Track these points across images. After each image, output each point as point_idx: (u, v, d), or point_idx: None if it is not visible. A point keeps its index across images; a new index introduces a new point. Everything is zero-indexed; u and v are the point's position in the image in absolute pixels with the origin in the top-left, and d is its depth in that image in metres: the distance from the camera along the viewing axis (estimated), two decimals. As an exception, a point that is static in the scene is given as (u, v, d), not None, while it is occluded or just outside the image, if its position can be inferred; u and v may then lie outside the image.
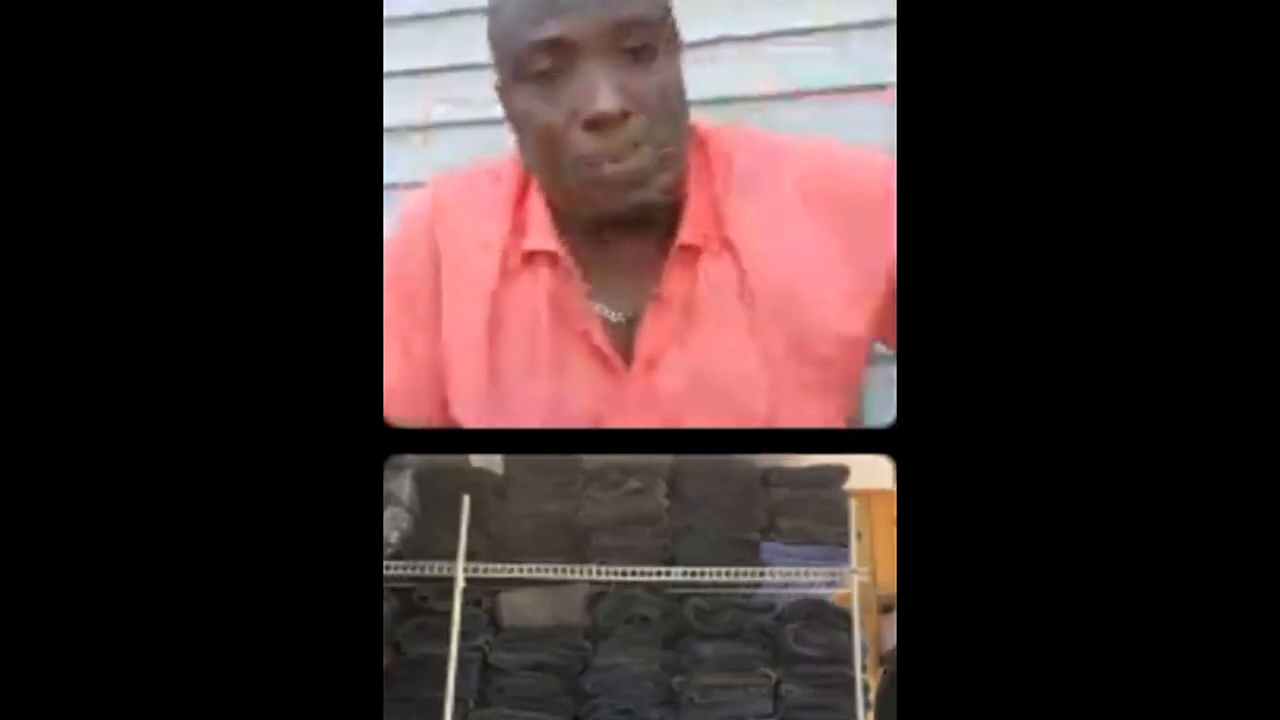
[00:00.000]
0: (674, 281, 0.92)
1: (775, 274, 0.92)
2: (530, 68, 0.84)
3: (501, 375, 0.93)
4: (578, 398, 0.92)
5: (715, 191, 0.92)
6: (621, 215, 0.88)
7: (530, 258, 0.94)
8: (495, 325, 0.93)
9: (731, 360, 0.91)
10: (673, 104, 0.87)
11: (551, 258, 0.93)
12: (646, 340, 0.92)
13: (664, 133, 0.86)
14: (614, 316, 0.93)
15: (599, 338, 0.92)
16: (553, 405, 0.92)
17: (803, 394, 0.92)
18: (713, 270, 0.92)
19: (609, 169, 0.84)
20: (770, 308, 0.91)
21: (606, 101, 0.82)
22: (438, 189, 1.01)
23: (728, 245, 0.92)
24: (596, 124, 0.83)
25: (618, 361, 0.93)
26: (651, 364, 0.92)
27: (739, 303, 0.91)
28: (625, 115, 0.83)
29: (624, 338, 0.93)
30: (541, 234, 0.94)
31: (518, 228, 0.95)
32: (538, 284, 0.93)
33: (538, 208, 0.94)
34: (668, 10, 0.89)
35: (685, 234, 0.91)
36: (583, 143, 0.84)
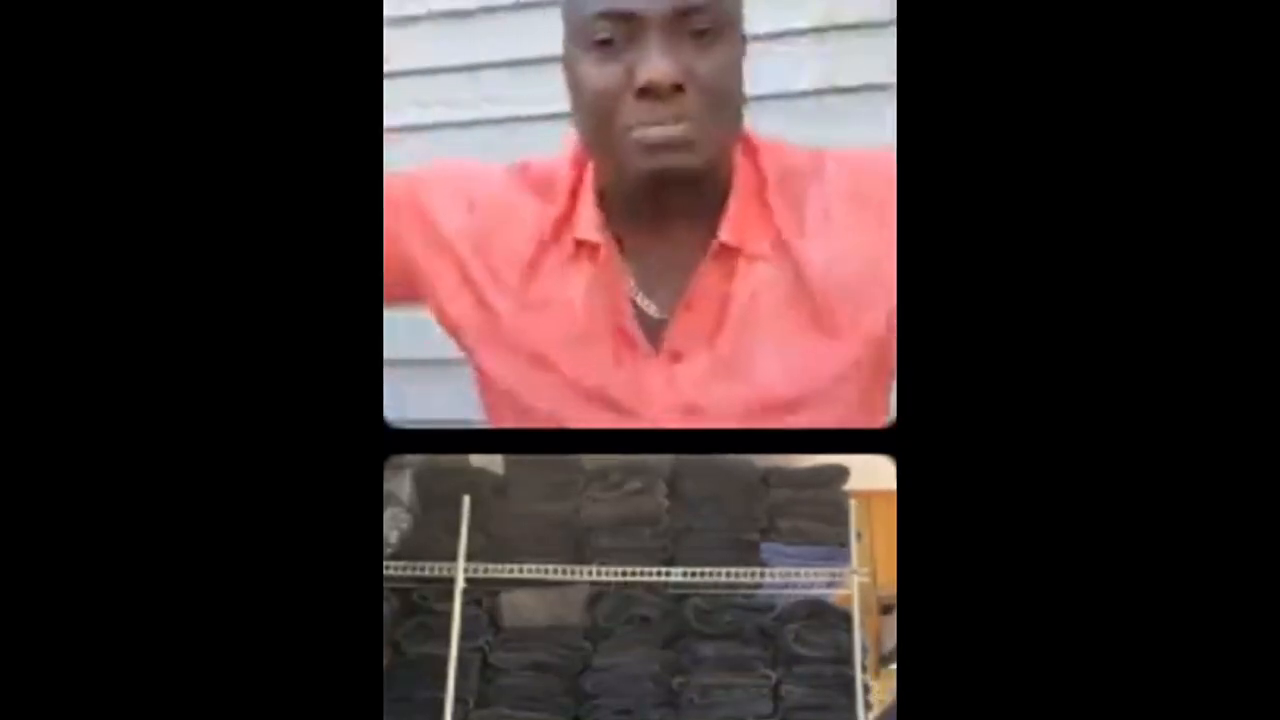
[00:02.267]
0: (708, 281, 0.94)
1: (824, 279, 0.94)
2: (594, 36, 0.88)
3: (525, 338, 0.97)
4: (597, 375, 0.95)
5: (766, 196, 0.95)
6: (656, 179, 0.90)
7: (575, 248, 0.96)
8: (528, 298, 0.97)
9: (761, 361, 0.94)
10: (727, 91, 0.90)
11: (594, 249, 0.96)
12: (674, 336, 0.94)
13: (714, 115, 0.89)
14: (654, 311, 0.95)
15: (630, 324, 0.94)
16: (571, 379, 0.95)
17: (837, 400, 0.95)
18: (755, 272, 0.94)
19: (653, 131, 0.87)
20: (816, 311, 0.94)
21: (659, 70, 0.85)
22: (510, 171, 1.03)
23: (778, 247, 0.94)
24: (648, 91, 0.86)
25: (644, 346, 0.95)
26: (676, 357, 0.95)
27: (784, 306, 0.94)
28: (677, 88, 0.86)
29: (660, 331, 0.95)
30: (587, 225, 0.96)
31: (567, 218, 0.97)
32: (578, 272, 0.96)
33: (587, 199, 0.97)
34: (736, 1, 0.92)
35: (725, 233, 0.93)
36: (632, 110, 0.87)
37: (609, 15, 0.87)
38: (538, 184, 1.00)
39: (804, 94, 1.66)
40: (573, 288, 0.96)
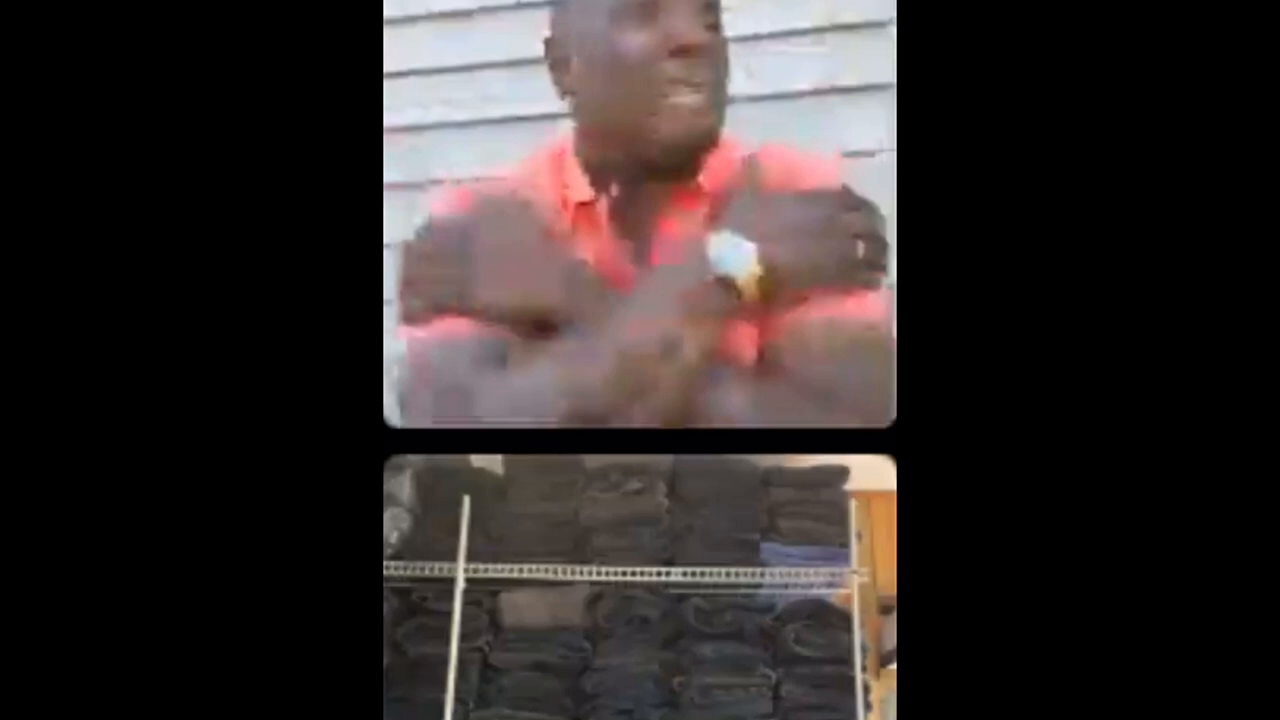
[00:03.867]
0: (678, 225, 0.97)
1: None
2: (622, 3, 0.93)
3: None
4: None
5: (731, 176, 0.98)
6: (679, 144, 0.94)
7: (574, 211, 0.99)
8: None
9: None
10: (727, 61, 0.97)
11: (588, 208, 0.98)
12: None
13: (722, 82, 0.95)
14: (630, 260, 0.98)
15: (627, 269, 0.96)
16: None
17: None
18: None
19: (687, 95, 0.93)
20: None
21: (697, 31, 0.92)
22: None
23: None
24: (685, 50, 0.92)
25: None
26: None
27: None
28: (704, 50, 0.93)
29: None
30: (580, 188, 0.99)
31: (557, 188, 1.00)
32: (575, 232, 0.98)
33: (573, 167, 1.00)
34: None
35: (706, 181, 0.97)
36: (669, 69, 0.92)
37: None
38: (526, 174, 1.02)
39: (804, 94, 1.66)
40: (582, 249, 0.98)
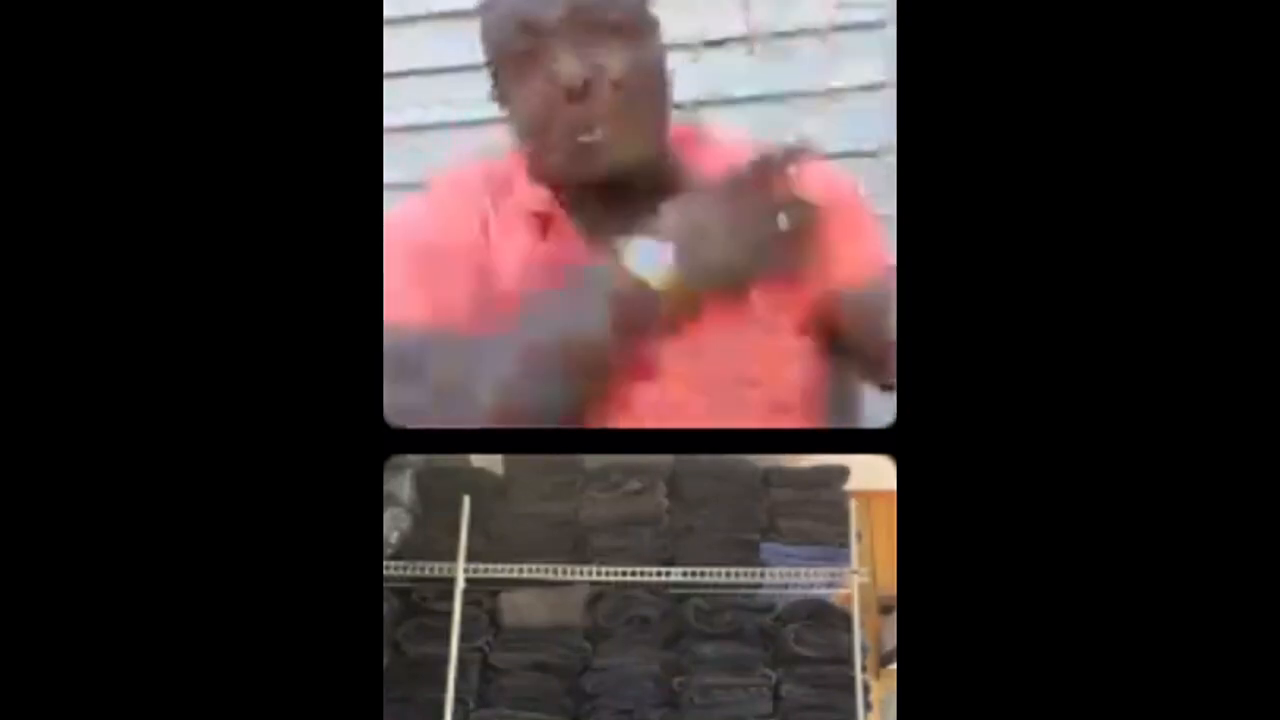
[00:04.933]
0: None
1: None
2: (512, 49, 0.92)
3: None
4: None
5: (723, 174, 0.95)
6: (602, 179, 0.92)
7: (528, 220, 0.97)
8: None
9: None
10: (647, 78, 0.93)
11: (546, 218, 0.97)
12: None
13: (638, 103, 0.92)
14: None
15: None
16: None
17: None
18: None
19: (581, 139, 0.91)
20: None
21: (568, 73, 0.89)
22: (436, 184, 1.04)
23: None
24: (570, 95, 0.90)
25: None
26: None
27: None
28: (588, 85, 0.89)
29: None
30: (534, 199, 0.97)
31: (510, 194, 0.99)
32: (535, 238, 0.97)
33: (526, 185, 0.98)
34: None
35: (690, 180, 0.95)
36: (566, 113, 0.90)
37: (519, 27, 0.91)
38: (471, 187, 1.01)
39: (804, 94, 1.66)
40: (529, 253, 0.96)
